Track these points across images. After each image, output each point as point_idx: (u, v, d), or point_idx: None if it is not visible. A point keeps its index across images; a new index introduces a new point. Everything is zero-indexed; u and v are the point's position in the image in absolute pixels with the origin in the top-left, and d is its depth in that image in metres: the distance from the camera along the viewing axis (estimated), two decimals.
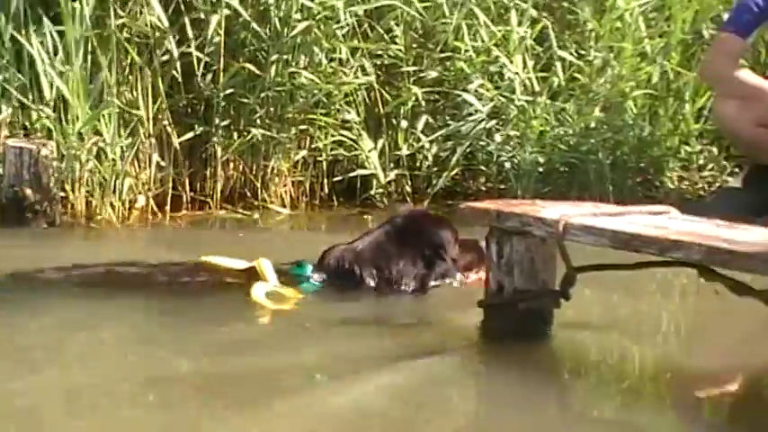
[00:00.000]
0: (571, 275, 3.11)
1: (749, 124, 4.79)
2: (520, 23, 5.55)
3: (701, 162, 5.76)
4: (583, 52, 5.65)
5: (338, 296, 3.68)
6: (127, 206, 5.00)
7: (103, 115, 4.90)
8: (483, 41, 5.54)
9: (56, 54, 4.91)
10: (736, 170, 5.58)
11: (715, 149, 5.78)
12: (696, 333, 3.64)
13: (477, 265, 3.83)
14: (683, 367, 3.21)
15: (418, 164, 5.53)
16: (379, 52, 5.50)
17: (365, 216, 5.27)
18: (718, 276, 2.93)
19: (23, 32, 4.90)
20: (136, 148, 5.04)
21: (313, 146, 5.42)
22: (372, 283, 3.79)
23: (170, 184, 5.16)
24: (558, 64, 5.56)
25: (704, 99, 5.58)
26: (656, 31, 5.77)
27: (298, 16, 5.21)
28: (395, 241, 3.84)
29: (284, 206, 5.32)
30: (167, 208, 5.13)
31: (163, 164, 5.15)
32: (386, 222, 3.94)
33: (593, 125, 5.50)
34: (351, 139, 5.38)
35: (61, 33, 4.91)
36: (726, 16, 5.30)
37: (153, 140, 5.12)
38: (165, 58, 5.10)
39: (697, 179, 5.72)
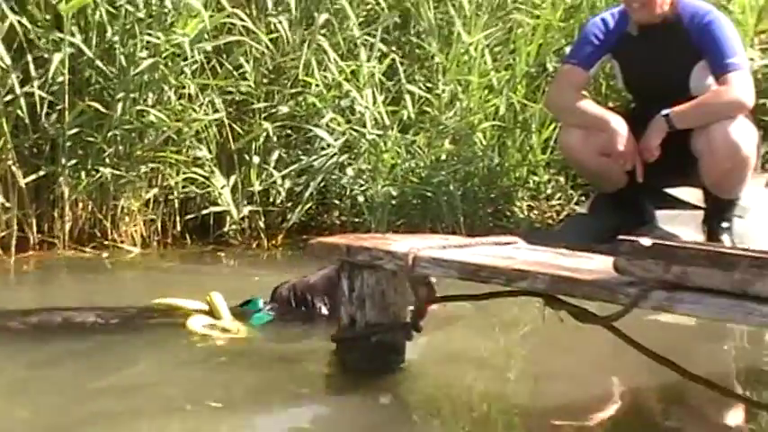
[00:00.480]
0: (421, 308, 3.16)
1: (593, 154, 4.91)
2: (369, 58, 5.61)
3: (548, 191, 5.91)
4: (431, 86, 5.74)
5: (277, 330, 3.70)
6: None
7: None
8: (333, 76, 5.57)
9: None
10: (583, 198, 5.73)
11: (562, 179, 5.93)
12: (546, 363, 3.71)
13: None
14: (535, 398, 3.28)
15: (272, 199, 5.54)
16: (230, 89, 5.50)
17: (219, 253, 5.26)
18: (563, 304, 3.01)
19: None
20: None
21: (164, 184, 5.37)
22: (325, 311, 3.85)
23: (15, 226, 5.05)
24: (408, 97, 5.64)
25: (550, 130, 5.73)
26: (501, 64, 5.89)
27: (144, 54, 5.16)
28: None
29: (135, 245, 5.26)
30: (12, 250, 5.03)
31: (8, 205, 5.05)
32: None
33: (443, 157, 5.59)
34: (203, 176, 5.35)
35: None
36: (569, 49, 5.46)
37: None
38: (9, 97, 5.01)
39: (545, 208, 5.86)
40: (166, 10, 5.24)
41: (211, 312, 3.74)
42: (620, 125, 4.84)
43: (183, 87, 5.34)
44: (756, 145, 4.85)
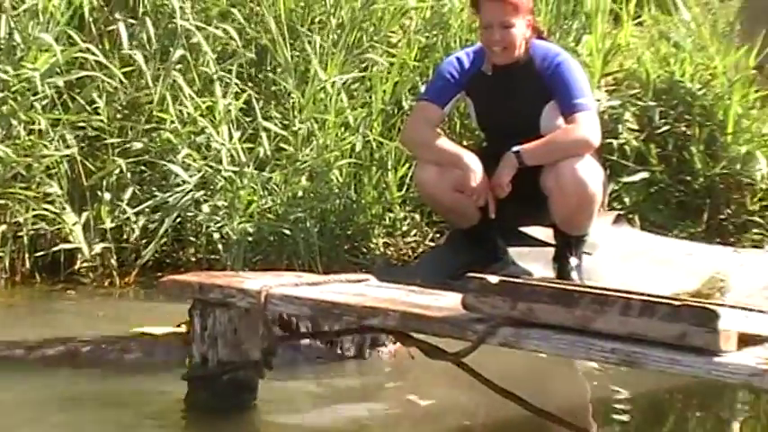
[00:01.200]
0: (273, 345, 3.19)
1: (447, 190, 4.98)
2: (225, 95, 5.62)
3: (404, 228, 5.97)
4: (288, 123, 5.76)
5: None
6: None
7: None
8: (188, 112, 5.57)
9: None
10: (438, 235, 5.82)
11: (418, 216, 6.00)
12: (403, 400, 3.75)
13: None
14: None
15: (125, 236, 5.48)
16: (82, 124, 5.45)
17: (69, 291, 5.19)
18: (414, 341, 3.08)
19: None
20: None
21: (12, 220, 5.28)
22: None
23: None
24: (264, 134, 5.65)
25: (406, 167, 5.78)
26: (358, 101, 5.94)
27: None
28: None
29: None
30: None
31: None
32: None
33: (300, 194, 5.61)
34: (53, 213, 5.29)
35: None
36: (424, 87, 5.56)
37: None
38: None
39: (402, 245, 5.92)
40: (15, 44, 5.18)
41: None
42: (472, 161, 4.93)
43: (33, 123, 5.27)
44: (603, 183, 4.99)
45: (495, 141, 5.20)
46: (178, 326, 3.84)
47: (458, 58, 5.27)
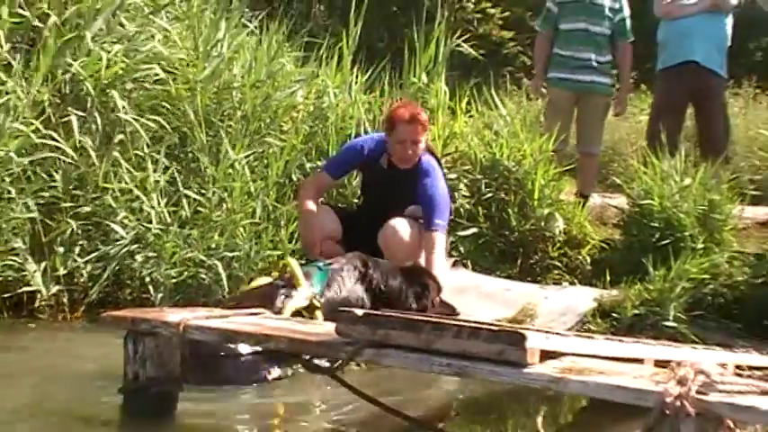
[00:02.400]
0: (190, 365, 3.15)
1: (316, 238, 5.05)
2: (155, 170, 5.56)
3: None
4: (204, 191, 5.71)
5: None
6: None
7: None
8: (126, 183, 5.48)
9: None
10: None
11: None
12: None
13: None
14: None
15: (75, 280, 5.34)
16: (42, 193, 5.32)
17: (30, 325, 5.03)
18: (299, 359, 3.07)
19: None
20: None
21: None
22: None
23: None
24: (185, 200, 5.59)
25: (295, 225, 5.76)
26: (258, 175, 5.93)
27: None
28: None
29: None
30: None
31: None
32: None
33: (213, 246, 5.55)
34: (18, 263, 5.13)
35: None
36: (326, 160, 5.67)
37: None
38: None
39: None
40: None
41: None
42: (308, 222, 4.99)
43: (3, 192, 5.12)
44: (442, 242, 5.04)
45: (370, 207, 5.25)
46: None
47: (362, 145, 5.33)
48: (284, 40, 6.73)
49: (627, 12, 6.94)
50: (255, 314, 3.35)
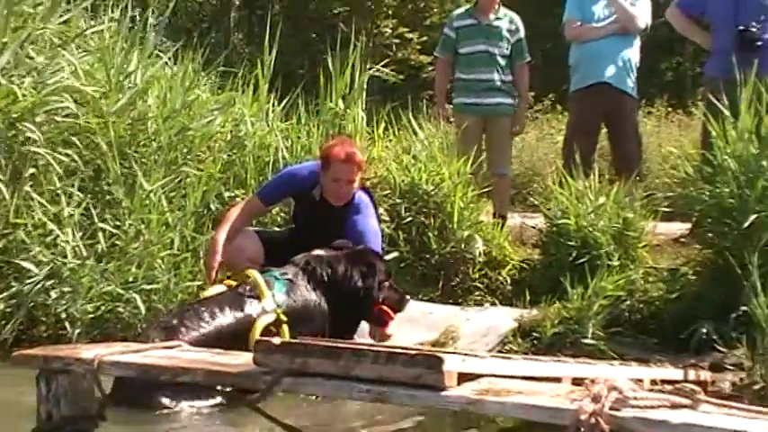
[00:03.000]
0: (104, 402, 3.09)
1: (242, 261, 5.01)
2: (69, 204, 5.46)
3: None
4: (120, 223, 5.63)
5: None
6: None
7: None
8: (40, 218, 5.37)
9: None
10: None
11: None
12: None
13: None
14: None
15: None
16: None
17: None
18: (218, 391, 3.04)
19: None
20: None
21: None
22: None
23: None
24: (101, 233, 5.51)
25: None
26: (175, 205, 5.87)
27: None
28: None
29: None
30: None
31: None
32: None
33: (131, 279, 5.46)
34: None
35: None
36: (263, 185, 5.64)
37: None
38: None
39: None
40: None
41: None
42: (213, 251, 5.05)
43: None
44: None
45: (299, 236, 5.23)
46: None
47: (296, 174, 5.32)
48: (201, 69, 6.70)
49: (523, 33, 7.12)
50: (172, 347, 3.31)
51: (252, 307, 4.24)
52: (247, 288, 4.35)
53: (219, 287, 4.56)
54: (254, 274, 4.41)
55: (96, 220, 5.51)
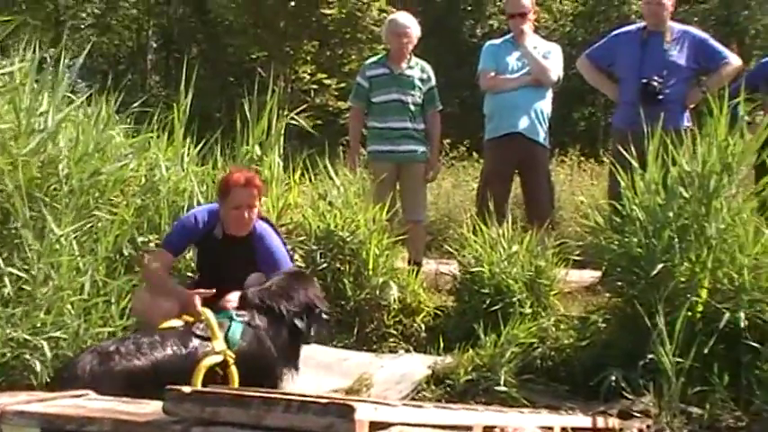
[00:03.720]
0: None
1: (158, 317, 4.94)
2: None
3: None
4: (28, 267, 5.49)
5: None
6: None
7: None
8: None
9: None
10: None
11: None
12: None
13: None
14: None
15: None
16: None
17: None
18: None
19: None
20: None
21: None
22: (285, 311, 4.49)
23: None
24: (7, 278, 5.36)
25: (127, 300, 5.62)
26: (86, 250, 5.76)
27: None
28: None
29: None
30: None
31: None
32: None
33: (39, 325, 5.31)
34: None
35: None
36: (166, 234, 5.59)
37: None
38: None
39: None
40: None
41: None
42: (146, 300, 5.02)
43: None
44: None
45: (208, 280, 5.19)
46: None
47: (196, 217, 5.29)
48: (116, 112, 6.64)
49: (434, 81, 7.27)
50: (79, 396, 3.24)
51: (199, 345, 4.22)
52: (200, 326, 4.35)
53: (176, 322, 4.54)
54: (206, 313, 4.40)
55: (2, 265, 5.38)
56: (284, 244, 5.37)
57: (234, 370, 4.21)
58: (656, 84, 6.62)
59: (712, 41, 7.00)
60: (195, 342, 4.24)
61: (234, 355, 4.23)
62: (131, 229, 5.97)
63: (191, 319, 4.53)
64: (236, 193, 5.08)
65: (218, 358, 4.18)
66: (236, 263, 5.09)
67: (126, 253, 5.90)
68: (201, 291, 4.94)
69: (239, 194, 5.09)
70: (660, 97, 6.58)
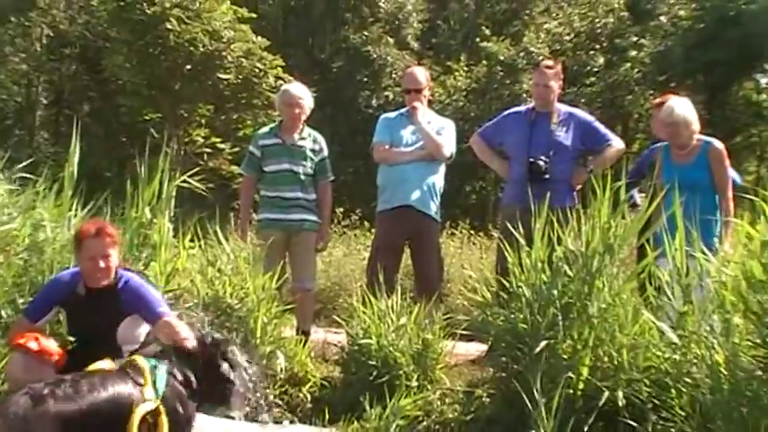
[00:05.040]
0: None
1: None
2: None
3: None
4: None
5: None
6: None
7: None
8: None
9: None
10: None
11: None
12: None
13: None
14: None
15: None
16: None
17: None
18: None
19: None
20: None
21: None
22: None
23: None
24: None
25: (4, 363, 5.41)
26: None
27: None
28: None
29: None
30: None
31: None
32: None
33: None
34: None
35: None
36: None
37: None
38: None
39: None
40: None
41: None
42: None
43: None
44: None
45: (80, 347, 5.09)
46: None
47: (56, 280, 5.22)
48: (1, 170, 6.48)
49: (326, 152, 7.37)
50: None
51: (134, 390, 4.21)
52: (133, 371, 4.34)
53: (104, 363, 4.47)
54: (140, 359, 4.39)
55: None
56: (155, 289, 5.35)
57: (164, 419, 4.21)
58: (542, 163, 6.85)
59: (597, 124, 7.27)
60: (132, 387, 4.24)
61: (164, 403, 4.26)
62: (13, 291, 5.80)
63: (113, 366, 4.46)
64: (88, 243, 5.10)
65: (152, 405, 4.20)
66: (102, 317, 5.05)
67: (5, 315, 5.71)
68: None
69: (91, 245, 5.10)
70: (547, 176, 6.80)
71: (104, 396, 4.13)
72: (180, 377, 4.46)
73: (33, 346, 4.91)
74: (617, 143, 7.17)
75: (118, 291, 5.13)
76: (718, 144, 6.68)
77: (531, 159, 6.87)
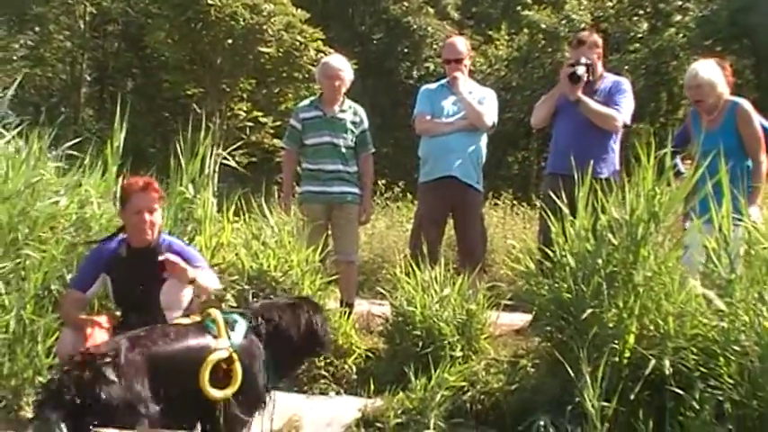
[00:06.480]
0: None
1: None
2: None
3: None
4: None
5: None
6: None
7: None
8: None
9: None
10: None
11: None
12: None
13: None
14: None
15: None
16: None
17: None
18: None
19: None
20: None
21: None
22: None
23: None
24: None
25: (54, 339, 5.53)
26: (14, 287, 5.66)
27: None
28: None
29: None
30: None
31: None
32: None
33: None
34: None
35: None
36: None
37: None
38: None
39: None
40: None
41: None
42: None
43: None
44: None
45: (125, 313, 5.15)
46: None
47: (99, 248, 5.29)
48: (48, 147, 6.55)
49: (367, 124, 7.34)
50: None
51: (210, 341, 4.55)
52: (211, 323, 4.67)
53: (186, 319, 4.83)
54: (215, 313, 4.68)
55: None
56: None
57: (238, 366, 4.51)
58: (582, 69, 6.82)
59: (622, 95, 7.06)
60: (208, 338, 4.57)
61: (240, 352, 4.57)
62: (61, 267, 5.89)
63: (198, 318, 4.77)
64: (135, 197, 5.15)
65: (224, 354, 4.50)
66: (145, 277, 5.08)
67: (54, 289, 5.81)
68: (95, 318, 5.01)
69: (139, 198, 5.15)
70: (584, 80, 6.78)
71: (186, 344, 4.51)
72: (268, 330, 4.76)
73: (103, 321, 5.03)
74: (617, 115, 6.91)
75: (159, 253, 5.17)
76: (745, 104, 6.46)
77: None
